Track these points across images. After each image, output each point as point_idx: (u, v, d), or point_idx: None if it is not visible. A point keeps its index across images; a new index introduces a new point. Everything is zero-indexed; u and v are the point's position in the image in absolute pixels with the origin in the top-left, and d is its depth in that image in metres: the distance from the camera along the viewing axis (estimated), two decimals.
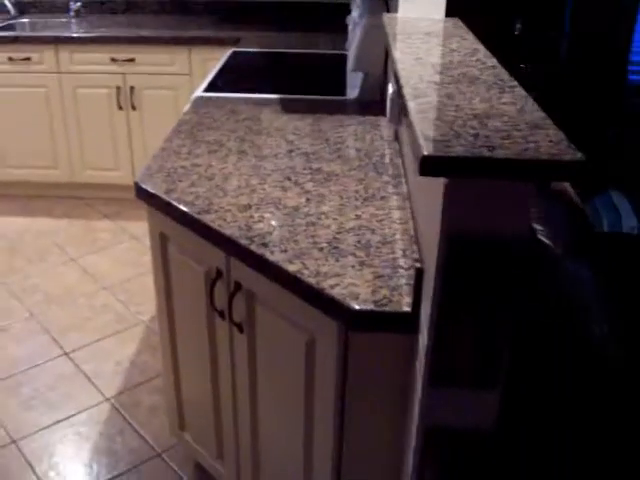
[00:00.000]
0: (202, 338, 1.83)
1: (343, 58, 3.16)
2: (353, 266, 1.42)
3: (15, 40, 3.69)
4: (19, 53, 3.73)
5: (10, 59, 3.74)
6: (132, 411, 2.51)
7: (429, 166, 0.95)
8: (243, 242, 1.50)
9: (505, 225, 1.03)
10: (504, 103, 1.19)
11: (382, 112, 2.38)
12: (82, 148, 3.91)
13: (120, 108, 3.80)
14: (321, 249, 1.48)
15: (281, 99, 2.48)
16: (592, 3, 4.04)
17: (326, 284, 1.35)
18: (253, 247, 1.48)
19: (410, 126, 1.08)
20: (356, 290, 1.34)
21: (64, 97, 3.81)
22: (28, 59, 3.74)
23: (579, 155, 0.96)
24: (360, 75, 2.58)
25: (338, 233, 1.55)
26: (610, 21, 4.12)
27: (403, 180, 1.61)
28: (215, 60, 3.59)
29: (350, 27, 3.05)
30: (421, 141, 0.98)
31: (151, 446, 2.36)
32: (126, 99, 3.77)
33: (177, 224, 1.71)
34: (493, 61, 1.50)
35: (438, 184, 1.06)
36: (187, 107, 2.49)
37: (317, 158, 1.96)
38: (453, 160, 0.94)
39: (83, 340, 2.88)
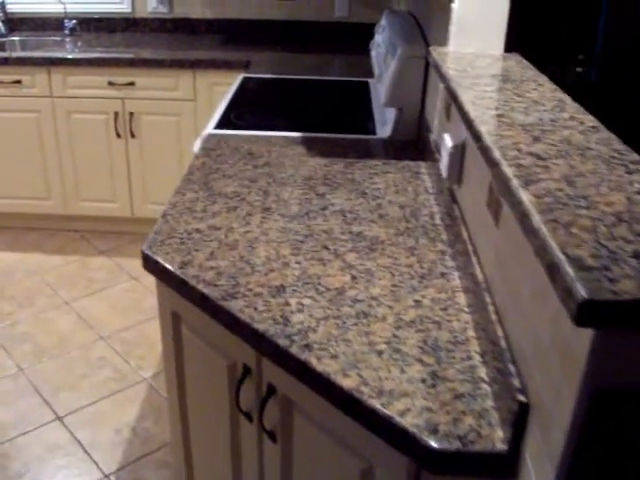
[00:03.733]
0: (222, 436, 1.53)
1: (366, 86, 2.87)
2: (424, 380, 1.13)
3: (5, 62, 3.39)
4: (9, 75, 3.43)
5: None
6: None
7: (590, 314, 0.66)
8: (281, 342, 1.20)
9: None
10: None
11: (420, 155, 2.10)
12: (77, 178, 3.61)
13: (118, 135, 3.50)
14: (380, 353, 1.18)
15: (304, 138, 2.19)
16: (627, 27, 3.75)
17: (394, 409, 1.06)
18: (294, 350, 1.19)
19: (536, 234, 0.79)
20: (433, 418, 1.05)
21: (57, 123, 3.51)
22: (19, 82, 3.44)
23: None
24: (391, 110, 2.30)
25: (397, 328, 1.25)
26: None
27: (472, 259, 1.32)
28: (222, 85, 3.30)
29: (374, 53, 2.77)
30: (571, 272, 0.69)
31: None
32: (125, 126, 3.47)
33: (194, 307, 1.42)
34: (591, 119, 1.21)
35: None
36: (197, 146, 2.20)
37: (355, 218, 1.67)
38: (628, 305, 0.65)
39: (78, 402, 2.57)
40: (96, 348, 2.87)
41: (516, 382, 1.00)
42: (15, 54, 3.52)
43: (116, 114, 3.45)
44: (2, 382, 2.67)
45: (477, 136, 1.12)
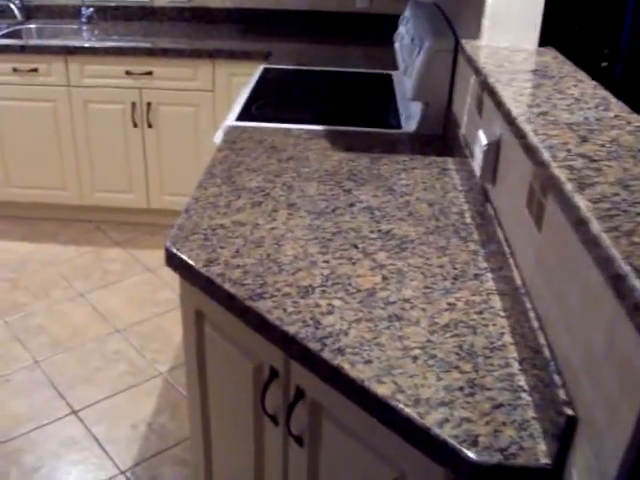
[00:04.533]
0: (245, 438, 1.49)
1: (389, 79, 2.82)
2: (461, 388, 1.08)
3: (21, 49, 3.35)
4: (25, 64, 3.39)
5: (15, 70, 3.40)
6: None
7: None
8: (312, 346, 1.16)
9: None
10: None
11: (447, 151, 2.05)
12: (93, 168, 3.58)
13: (135, 125, 3.46)
14: (415, 359, 1.14)
15: (328, 132, 2.14)
16: None
17: (432, 419, 1.02)
18: (326, 354, 1.15)
19: (596, 243, 0.75)
20: (472, 429, 1.00)
21: (74, 112, 3.47)
22: (35, 70, 3.40)
23: None
24: (416, 103, 2.25)
25: (432, 332, 1.21)
26: None
27: (509, 261, 1.28)
28: (241, 76, 3.25)
29: (397, 45, 2.71)
30: None
31: None
32: (142, 116, 3.43)
33: (219, 306, 1.37)
34: (637, 119, 1.16)
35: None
36: (218, 138, 2.16)
37: (384, 216, 1.62)
38: None
39: (93, 396, 2.54)
40: (111, 341, 2.84)
41: (562, 394, 0.96)
42: (32, 42, 3.48)
43: (133, 104, 3.41)
44: (17, 374, 2.64)
45: (522, 135, 1.07)
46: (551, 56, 1.59)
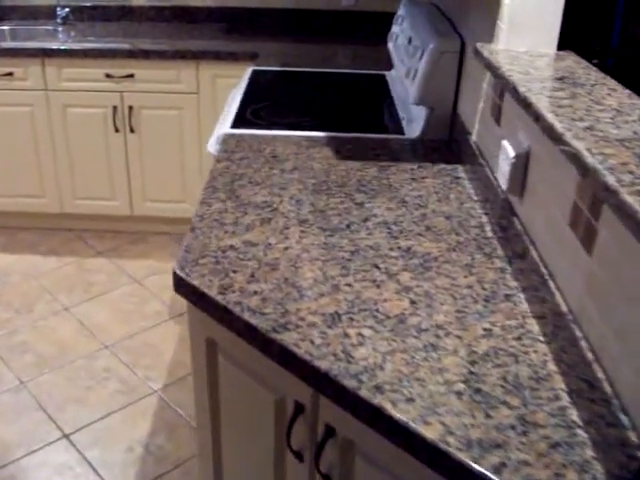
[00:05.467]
0: (264, 473, 1.40)
1: (383, 79, 2.74)
2: (513, 426, 1.00)
3: None
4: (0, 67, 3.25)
5: None
6: None
7: None
8: (348, 384, 1.08)
9: None
10: None
11: (455, 157, 1.97)
12: (73, 175, 3.44)
13: (117, 130, 3.33)
14: (459, 394, 1.06)
15: (330, 139, 2.05)
16: None
17: (487, 464, 0.94)
18: (364, 393, 1.06)
19: None
20: (532, 473, 0.93)
21: (52, 117, 3.33)
22: (10, 74, 3.26)
23: None
24: (417, 106, 2.17)
25: (472, 363, 1.13)
26: None
27: (549, 283, 1.20)
28: (226, 77, 3.15)
29: (391, 45, 2.63)
30: None
31: None
32: (123, 120, 3.31)
33: (235, 335, 1.28)
34: None
35: None
36: (213, 147, 2.06)
37: (401, 231, 1.54)
38: None
39: (85, 418, 2.43)
40: (100, 358, 2.73)
41: (633, 436, 0.88)
42: (5, 44, 3.34)
43: (114, 108, 3.28)
44: (3, 396, 2.52)
45: (574, 154, 0.99)
46: (573, 61, 1.52)
